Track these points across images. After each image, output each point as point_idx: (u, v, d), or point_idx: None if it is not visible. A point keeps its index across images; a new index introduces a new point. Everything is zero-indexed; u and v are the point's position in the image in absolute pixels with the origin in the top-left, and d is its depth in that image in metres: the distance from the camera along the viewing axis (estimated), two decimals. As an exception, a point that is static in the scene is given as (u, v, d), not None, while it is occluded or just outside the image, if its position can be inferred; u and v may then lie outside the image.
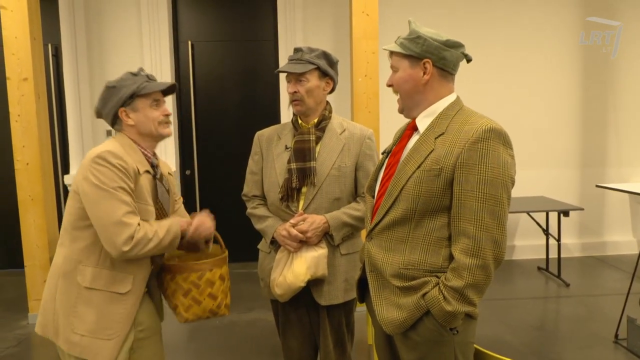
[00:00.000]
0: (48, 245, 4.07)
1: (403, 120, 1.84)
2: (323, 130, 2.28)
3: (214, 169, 5.55)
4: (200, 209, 2.23)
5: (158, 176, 2.00)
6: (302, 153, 2.23)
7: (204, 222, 2.07)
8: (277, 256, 2.26)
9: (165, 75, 5.23)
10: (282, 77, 4.95)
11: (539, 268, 5.30)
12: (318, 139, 2.27)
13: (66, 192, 5.18)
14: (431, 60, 1.67)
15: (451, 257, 1.61)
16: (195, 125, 5.48)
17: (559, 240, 4.97)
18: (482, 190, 1.54)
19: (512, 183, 1.60)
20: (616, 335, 3.57)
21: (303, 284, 2.17)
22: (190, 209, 2.15)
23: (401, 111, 1.80)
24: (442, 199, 1.60)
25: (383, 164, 1.83)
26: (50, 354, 3.58)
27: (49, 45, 5.20)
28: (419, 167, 1.63)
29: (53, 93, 5.27)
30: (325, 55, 2.26)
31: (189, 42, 5.38)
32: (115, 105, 1.93)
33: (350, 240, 2.31)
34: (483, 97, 5.32)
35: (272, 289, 2.25)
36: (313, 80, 2.22)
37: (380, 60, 4.02)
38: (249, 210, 2.39)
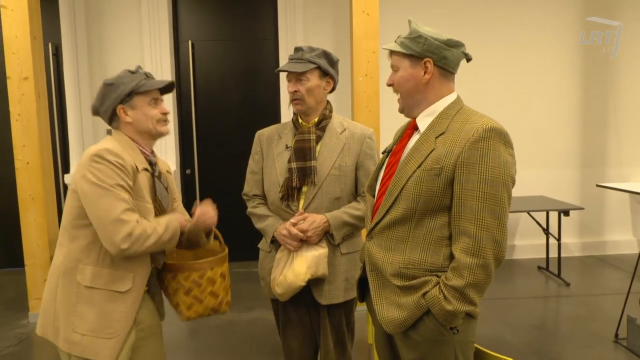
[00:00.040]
0: (48, 245, 4.07)
1: (403, 120, 1.84)
2: (323, 129, 2.28)
3: (215, 168, 5.55)
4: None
5: (156, 174, 2.00)
6: (303, 152, 2.23)
7: (207, 211, 2.08)
8: (277, 255, 2.27)
9: (165, 74, 5.23)
10: (283, 76, 4.96)
11: (539, 267, 5.31)
12: (318, 139, 2.27)
13: (66, 191, 5.18)
14: (432, 60, 1.67)
15: (451, 257, 1.61)
16: (195, 124, 5.48)
17: (559, 239, 4.97)
18: (482, 189, 1.54)
19: (512, 182, 1.60)
20: (616, 335, 3.57)
21: (303, 284, 2.17)
22: (191, 208, 2.15)
23: (401, 111, 1.80)
24: (443, 199, 1.60)
25: (383, 164, 1.83)
26: (50, 353, 3.58)
27: (50, 45, 5.20)
28: (419, 166, 1.63)
29: (53, 92, 5.27)
30: (326, 55, 2.26)
31: (190, 42, 5.38)
32: (114, 102, 1.93)
33: (351, 239, 2.31)
34: (483, 97, 5.33)
35: (272, 288, 2.25)
36: (313, 80, 2.22)
37: (381, 59, 4.02)
38: (249, 210, 2.39)
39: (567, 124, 5.66)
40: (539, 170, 5.63)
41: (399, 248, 1.67)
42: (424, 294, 1.60)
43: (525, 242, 5.71)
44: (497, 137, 1.57)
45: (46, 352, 3.65)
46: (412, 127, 1.77)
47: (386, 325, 1.68)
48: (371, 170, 2.20)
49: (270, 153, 2.33)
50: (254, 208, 2.37)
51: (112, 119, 1.97)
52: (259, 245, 2.44)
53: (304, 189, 2.23)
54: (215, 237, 2.20)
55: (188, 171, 5.52)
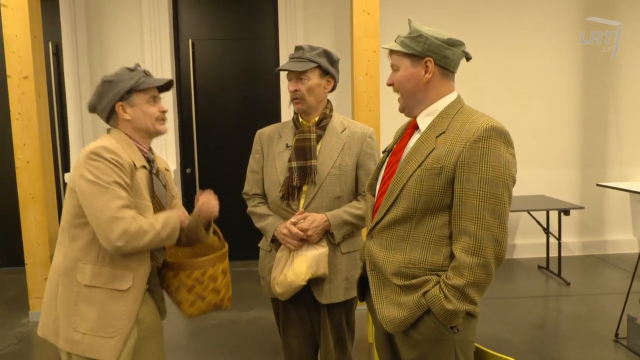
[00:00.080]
0: (49, 243, 4.07)
1: (404, 119, 1.84)
2: (324, 128, 2.28)
3: (215, 167, 5.55)
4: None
5: (154, 171, 2.00)
6: (303, 151, 2.23)
7: (209, 200, 2.09)
8: (277, 255, 2.26)
9: (165, 73, 5.23)
10: (283, 75, 4.96)
11: (540, 267, 5.31)
12: (319, 138, 2.27)
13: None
14: (433, 59, 1.67)
15: (452, 256, 1.61)
16: (195, 123, 5.48)
17: (559, 239, 4.97)
18: (483, 188, 1.54)
19: (513, 182, 1.60)
20: (616, 334, 3.57)
21: (304, 283, 2.17)
22: (191, 207, 2.15)
23: (402, 110, 1.79)
24: (443, 198, 1.60)
25: (384, 163, 1.83)
26: (50, 352, 3.58)
27: (50, 43, 5.20)
28: (420, 165, 1.63)
29: (54, 91, 5.27)
30: (326, 54, 2.26)
31: (190, 41, 5.38)
32: (112, 99, 1.92)
33: (351, 238, 2.31)
34: (483, 97, 5.32)
35: (272, 287, 2.25)
36: (314, 79, 2.22)
37: (381, 58, 4.01)
38: (249, 209, 2.39)
39: (567, 124, 5.66)
40: (540, 170, 5.63)
41: (400, 247, 1.66)
42: (425, 293, 1.60)
43: (526, 241, 5.71)
44: (498, 136, 1.57)
45: (46, 351, 3.65)
46: (413, 127, 1.77)
47: (386, 325, 1.68)
48: (371, 170, 2.20)
49: (271, 152, 2.33)
50: (254, 207, 2.37)
51: (110, 116, 1.96)
52: (259, 245, 2.44)
53: (305, 188, 2.23)
54: (214, 232, 2.21)
55: (188, 170, 5.52)
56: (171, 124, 5.31)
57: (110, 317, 1.83)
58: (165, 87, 2.02)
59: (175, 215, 1.95)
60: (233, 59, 5.49)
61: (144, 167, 1.94)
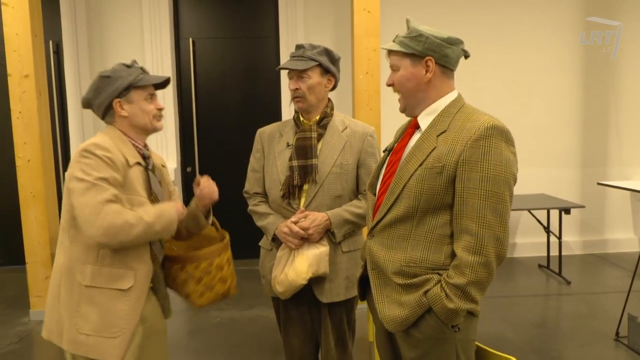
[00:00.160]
0: (49, 242, 4.07)
1: (404, 118, 1.84)
2: (325, 127, 2.28)
3: (215, 166, 5.55)
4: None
5: (150, 167, 1.98)
6: (304, 150, 2.22)
7: (209, 184, 2.09)
8: (278, 253, 2.26)
9: (166, 72, 5.23)
10: (284, 74, 4.96)
11: (540, 266, 5.30)
12: (320, 137, 2.26)
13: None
14: (434, 58, 1.67)
15: (453, 255, 1.61)
16: (196, 122, 5.48)
17: (560, 237, 4.97)
18: (484, 187, 1.54)
19: (514, 180, 1.60)
20: (617, 333, 3.57)
21: (305, 282, 2.17)
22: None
23: (403, 110, 1.79)
24: (444, 197, 1.60)
25: (384, 162, 1.83)
26: (51, 351, 3.58)
27: (50, 42, 5.20)
28: (421, 164, 1.62)
29: (54, 90, 5.27)
30: (327, 52, 2.25)
31: (190, 39, 5.38)
32: (110, 95, 1.90)
33: (352, 237, 2.31)
34: (483, 96, 5.31)
35: (273, 286, 2.25)
36: (315, 77, 2.22)
37: (382, 57, 4.00)
38: (250, 208, 2.39)
39: (568, 124, 5.66)
40: (540, 169, 5.62)
41: (401, 246, 1.66)
42: (426, 292, 1.60)
43: (526, 240, 5.71)
44: (499, 135, 1.57)
45: (47, 350, 3.65)
46: (414, 126, 1.76)
47: (388, 324, 1.68)
48: (372, 169, 2.20)
49: (272, 151, 2.32)
50: (255, 206, 2.37)
51: (106, 112, 1.94)
52: (260, 243, 2.44)
53: (305, 187, 2.23)
54: (212, 223, 2.21)
55: (189, 169, 5.52)
56: (172, 123, 5.31)
57: (113, 317, 1.82)
58: (161, 84, 2.01)
59: (172, 207, 1.91)
60: (234, 57, 5.48)
61: (138, 163, 1.92)
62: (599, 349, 3.45)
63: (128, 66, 1.95)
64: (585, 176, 5.70)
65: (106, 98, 1.91)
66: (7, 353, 3.59)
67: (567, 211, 4.80)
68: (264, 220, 2.31)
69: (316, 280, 2.23)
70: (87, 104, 1.98)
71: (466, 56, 1.75)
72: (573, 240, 5.77)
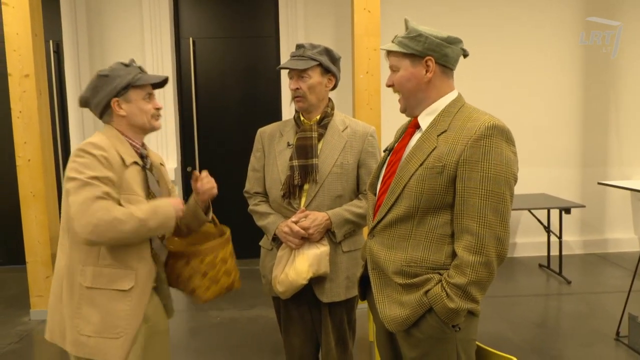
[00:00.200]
0: (50, 242, 4.07)
1: (404, 118, 1.83)
2: (325, 127, 2.28)
3: (216, 165, 5.54)
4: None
5: (148, 166, 1.97)
6: (304, 150, 2.22)
7: (209, 180, 2.09)
8: (278, 253, 2.26)
9: (166, 71, 5.23)
10: (284, 73, 4.95)
11: (541, 265, 5.30)
12: (320, 136, 2.26)
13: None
14: (434, 58, 1.67)
15: (454, 254, 1.61)
16: (196, 122, 5.48)
17: (560, 237, 4.97)
18: (485, 187, 1.54)
19: (514, 180, 1.60)
20: (617, 333, 3.57)
21: (305, 282, 2.17)
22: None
23: (403, 111, 1.79)
24: (445, 197, 1.60)
25: (385, 162, 1.83)
26: (51, 351, 3.58)
27: (51, 42, 5.20)
28: (421, 164, 1.62)
29: (54, 89, 5.27)
30: (328, 52, 2.25)
31: (191, 39, 5.38)
32: (108, 94, 1.89)
33: (352, 237, 2.31)
34: (483, 96, 5.31)
35: (273, 286, 2.25)
36: (315, 77, 2.22)
37: (382, 57, 4.00)
38: (250, 207, 2.39)
39: (568, 123, 5.66)
40: (541, 169, 5.62)
41: (401, 246, 1.66)
42: (426, 291, 1.60)
43: (527, 240, 5.70)
44: (500, 134, 1.57)
45: (47, 350, 3.66)
46: (414, 126, 1.76)
47: (388, 324, 1.68)
48: (373, 168, 2.20)
49: (272, 151, 2.32)
50: (256, 206, 2.36)
51: (104, 111, 1.93)
52: (260, 243, 2.44)
53: (306, 186, 2.23)
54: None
55: (189, 169, 5.52)
56: (172, 122, 5.31)
57: (114, 317, 1.82)
58: (159, 84, 2.01)
59: (168, 203, 1.88)
60: (234, 57, 5.48)
61: (136, 163, 1.91)
62: (599, 349, 3.45)
63: (126, 65, 1.93)
64: (585, 176, 5.70)
65: (104, 97, 1.90)
66: (7, 352, 3.59)
67: (568, 211, 4.80)
68: (265, 220, 2.31)
69: (316, 280, 2.23)
70: (84, 102, 1.96)
71: (465, 55, 1.75)
72: (573, 240, 5.77)
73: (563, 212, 4.87)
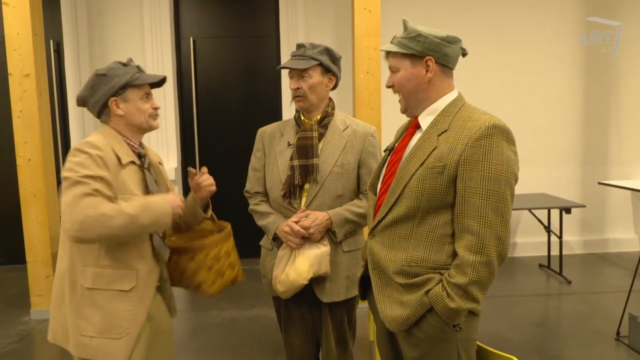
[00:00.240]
0: (50, 241, 4.07)
1: (405, 118, 1.83)
2: (326, 127, 2.28)
3: (216, 165, 5.52)
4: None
5: (146, 166, 1.97)
6: (305, 150, 2.22)
7: (208, 177, 2.09)
8: (279, 253, 2.26)
9: (167, 71, 5.23)
10: (284, 73, 4.95)
11: (541, 265, 5.30)
12: (321, 136, 2.26)
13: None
14: (434, 58, 1.67)
15: (454, 254, 1.61)
16: (197, 121, 5.48)
17: (560, 237, 4.97)
18: (485, 187, 1.54)
19: (515, 180, 1.60)
20: (618, 333, 3.57)
21: (306, 282, 2.17)
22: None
23: (404, 111, 1.78)
24: (446, 196, 1.60)
25: (385, 162, 1.83)
26: (51, 350, 3.58)
27: (51, 41, 5.20)
28: (422, 164, 1.62)
29: (55, 89, 5.27)
30: (328, 51, 2.25)
31: (191, 39, 5.38)
32: (106, 94, 1.88)
33: (353, 237, 2.31)
34: (483, 96, 5.30)
35: (274, 286, 2.25)
36: (316, 77, 2.21)
37: (383, 57, 4.01)
38: (251, 207, 2.39)
39: (568, 123, 5.66)
40: (541, 168, 5.62)
41: (402, 246, 1.66)
42: (427, 291, 1.60)
43: (527, 239, 5.70)
44: (500, 134, 1.57)
45: (48, 349, 3.65)
46: (414, 126, 1.76)
47: (389, 324, 1.68)
48: (373, 168, 2.20)
49: (273, 150, 2.32)
50: (256, 205, 2.36)
51: (102, 111, 1.92)
52: (261, 243, 2.44)
53: (306, 186, 2.23)
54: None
55: (189, 169, 5.51)
56: (172, 122, 5.31)
57: (116, 317, 1.81)
58: (157, 83, 2.00)
59: (163, 200, 1.85)
60: (234, 56, 5.48)
61: (133, 162, 1.90)
62: (599, 349, 3.45)
63: (124, 64, 1.93)
64: (585, 176, 5.70)
65: (102, 96, 1.89)
66: (7, 352, 3.59)
67: (568, 211, 4.80)
68: (265, 220, 2.31)
69: (317, 280, 2.23)
70: (82, 101, 1.95)
71: (464, 54, 1.75)
72: (574, 240, 5.76)
73: (563, 212, 4.86)
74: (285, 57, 5.24)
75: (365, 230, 1.96)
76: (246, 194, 2.43)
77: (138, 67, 1.95)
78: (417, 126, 1.74)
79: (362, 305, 2.78)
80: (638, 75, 5.63)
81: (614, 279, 4.91)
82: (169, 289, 2.07)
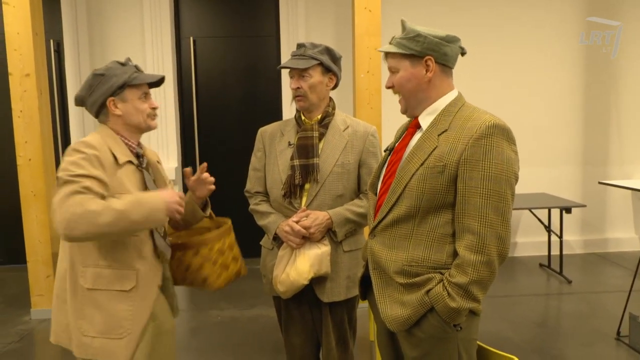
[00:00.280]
0: (50, 241, 4.07)
1: (405, 118, 1.83)
2: (326, 126, 2.28)
3: (216, 165, 5.52)
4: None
5: (144, 165, 1.96)
6: (305, 150, 2.22)
7: (206, 176, 2.10)
8: (279, 253, 2.26)
9: (167, 71, 5.23)
10: (285, 72, 4.96)
11: (541, 265, 5.30)
12: (321, 136, 2.26)
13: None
14: (433, 57, 1.67)
15: (455, 254, 1.61)
16: (197, 121, 5.48)
17: (561, 237, 4.97)
18: (486, 186, 1.54)
19: (515, 179, 1.60)
20: (618, 332, 3.57)
21: (306, 282, 2.17)
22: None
23: (404, 111, 1.78)
24: (446, 196, 1.60)
25: (385, 162, 1.83)
26: (52, 350, 3.58)
27: (51, 41, 5.20)
28: (422, 164, 1.62)
29: (55, 89, 5.27)
30: (328, 51, 2.25)
31: (191, 38, 5.38)
32: (104, 94, 1.87)
33: (353, 237, 2.31)
34: (483, 95, 5.30)
35: (274, 285, 2.25)
36: (316, 76, 2.22)
37: (382, 57, 4.01)
38: (251, 207, 2.39)
39: (568, 123, 5.66)
40: (541, 168, 5.62)
41: (402, 246, 1.66)
42: (428, 291, 1.60)
43: (527, 239, 5.70)
44: (500, 133, 1.57)
45: (48, 349, 3.66)
46: (414, 125, 1.76)
47: (390, 323, 1.68)
48: (374, 168, 2.20)
49: (273, 150, 2.32)
50: (256, 205, 2.36)
51: (100, 111, 1.91)
52: (261, 243, 2.44)
53: (307, 186, 2.23)
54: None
55: (190, 168, 5.51)
56: (172, 122, 5.31)
57: (117, 317, 1.81)
58: (156, 83, 1.99)
59: (156, 195, 1.81)
60: (234, 56, 5.48)
61: (130, 162, 1.89)
62: (600, 349, 3.45)
63: (122, 64, 1.92)
64: (586, 175, 5.71)
65: (100, 96, 1.88)
66: (8, 352, 3.59)
67: (568, 210, 4.80)
68: (265, 220, 2.31)
69: (317, 280, 2.23)
70: (80, 101, 1.94)
71: (463, 53, 1.76)
72: (574, 240, 5.77)
73: (564, 212, 4.86)
74: (285, 57, 5.24)
75: (366, 230, 1.96)
76: (246, 194, 2.43)
77: (136, 67, 1.94)
78: (417, 126, 1.74)
79: (363, 305, 2.78)
80: (638, 75, 5.63)
81: (614, 278, 4.91)
82: (171, 288, 2.07)
